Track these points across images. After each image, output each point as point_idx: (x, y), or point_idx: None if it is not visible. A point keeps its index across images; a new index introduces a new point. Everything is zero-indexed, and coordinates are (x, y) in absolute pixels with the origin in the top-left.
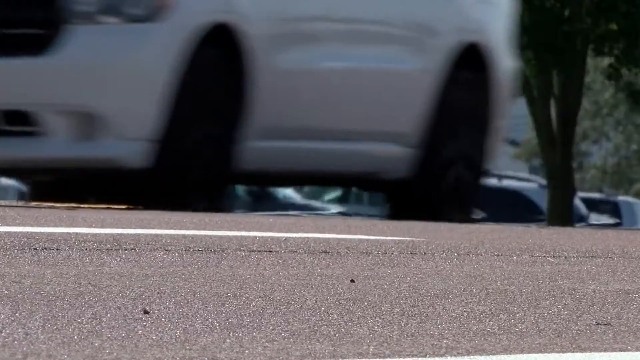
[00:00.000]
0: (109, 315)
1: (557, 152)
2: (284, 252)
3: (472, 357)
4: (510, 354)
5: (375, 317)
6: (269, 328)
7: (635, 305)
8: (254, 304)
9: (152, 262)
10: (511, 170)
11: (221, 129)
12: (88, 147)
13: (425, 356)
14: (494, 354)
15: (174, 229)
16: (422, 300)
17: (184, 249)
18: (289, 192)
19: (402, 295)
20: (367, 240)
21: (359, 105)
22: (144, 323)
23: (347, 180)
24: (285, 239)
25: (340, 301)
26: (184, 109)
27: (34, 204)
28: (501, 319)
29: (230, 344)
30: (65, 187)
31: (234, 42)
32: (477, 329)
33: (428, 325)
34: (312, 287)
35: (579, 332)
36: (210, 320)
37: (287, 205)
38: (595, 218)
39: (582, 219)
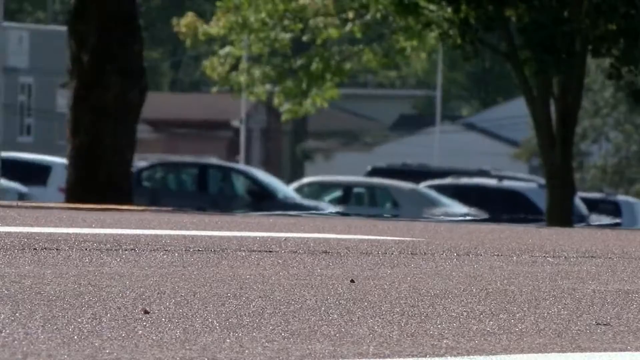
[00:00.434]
0: (109, 315)
1: (556, 152)
2: (284, 252)
3: (472, 357)
4: (510, 354)
5: (375, 317)
6: (269, 328)
7: (635, 305)
8: (254, 304)
9: (152, 263)
10: (511, 170)
11: None
12: None
13: (425, 356)
14: (494, 354)
15: (174, 229)
16: (422, 300)
17: (184, 249)
18: (289, 192)
19: (402, 295)
20: (367, 240)
21: None
22: (144, 323)
23: None
24: (285, 239)
25: (340, 301)
26: None
27: (34, 204)
28: (501, 319)
29: (230, 344)
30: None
31: None
32: (477, 329)
33: (428, 325)
34: (312, 287)
35: (579, 332)
36: (210, 320)
37: (287, 205)
38: (595, 218)
39: (582, 219)
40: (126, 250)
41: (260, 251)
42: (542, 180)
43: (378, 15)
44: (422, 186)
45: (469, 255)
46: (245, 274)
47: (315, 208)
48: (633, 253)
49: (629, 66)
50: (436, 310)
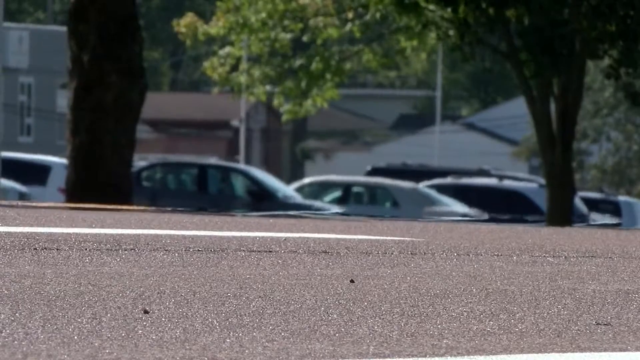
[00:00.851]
0: (109, 315)
1: (556, 152)
2: (284, 252)
3: (472, 357)
4: (510, 354)
5: (375, 317)
6: (269, 328)
7: (635, 305)
8: (254, 304)
9: (152, 262)
10: (511, 170)
11: None
12: None
13: (425, 356)
14: (494, 354)
15: (174, 229)
16: (422, 300)
17: (184, 249)
18: (289, 192)
19: (402, 295)
20: (367, 240)
21: None
22: (144, 323)
23: None
24: (285, 239)
25: (340, 301)
26: None
27: (34, 204)
28: (501, 319)
29: (230, 344)
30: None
31: None
32: (477, 329)
33: (428, 325)
34: (312, 287)
35: (579, 332)
36: (210, 320)
37: (287, 205)
38: (595, 218)
39: (582, 219)
40: (126, 250)
41: (260, 251)
42: (543, 180)
43: (378, 15)
44: (422, 186)
45: (469, 255)
46: (245, 274)
47: (318, 208)
48: (633, 253)
49: (627, 68)
50: (436, 310)
